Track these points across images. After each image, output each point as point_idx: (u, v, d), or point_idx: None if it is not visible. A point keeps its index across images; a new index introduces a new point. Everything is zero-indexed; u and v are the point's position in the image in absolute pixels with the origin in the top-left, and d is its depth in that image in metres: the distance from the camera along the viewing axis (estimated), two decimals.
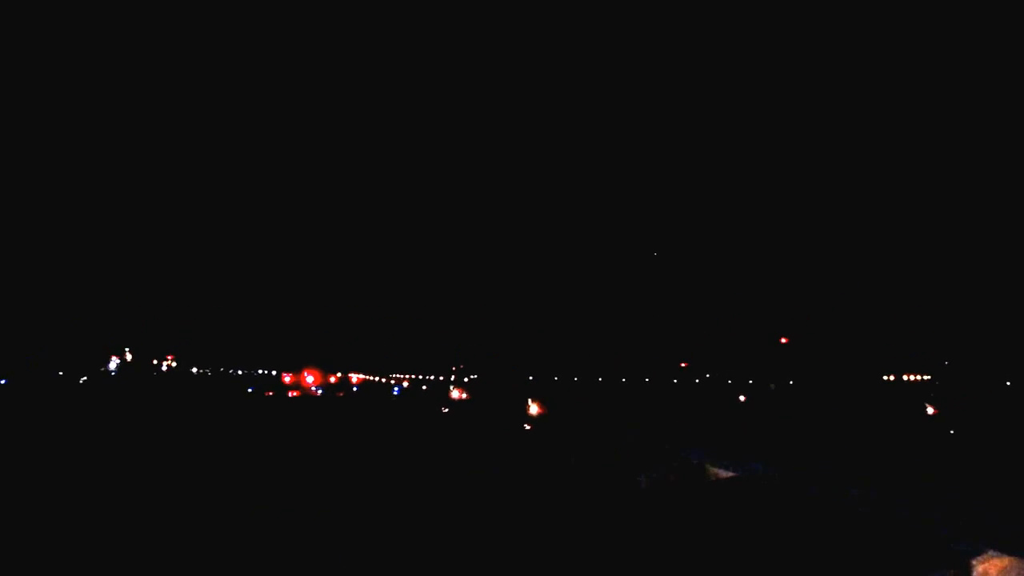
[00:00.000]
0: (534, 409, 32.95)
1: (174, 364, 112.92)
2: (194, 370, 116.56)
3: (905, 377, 72.88)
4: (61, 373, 69.19)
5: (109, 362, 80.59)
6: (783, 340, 66.44)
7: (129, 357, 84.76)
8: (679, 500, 12.44)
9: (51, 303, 78.64)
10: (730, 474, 13.22)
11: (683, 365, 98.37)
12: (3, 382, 41.63)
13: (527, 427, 27.44)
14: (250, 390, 52.68)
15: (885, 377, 69.41)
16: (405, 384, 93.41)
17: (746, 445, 21.00)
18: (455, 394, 56.89)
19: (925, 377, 73.68)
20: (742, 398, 52.26)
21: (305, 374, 77.16)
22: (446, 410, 42.64)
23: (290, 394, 71.65)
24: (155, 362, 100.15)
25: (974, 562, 7.79)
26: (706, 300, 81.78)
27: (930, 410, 34.97)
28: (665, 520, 10.87)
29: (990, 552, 7.88)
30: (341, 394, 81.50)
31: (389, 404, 47.31)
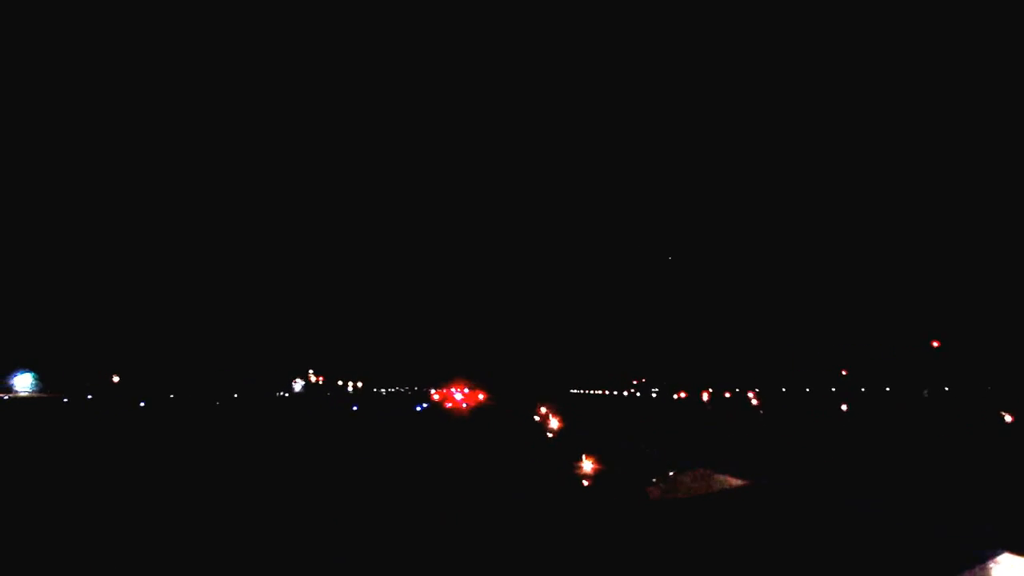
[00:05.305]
0: (554, 423, 34.62)
1: (360, 384, 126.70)
2: (380, 390, 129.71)
3: None
4: (258, 391, 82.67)
5: (295, 383, 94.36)
6: (935, 343, 60.11)
7: (313, 379, 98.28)
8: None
9: (256, 341, 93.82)
10: (741, 483, 13.54)
11: (844, 373, 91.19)
12: (143, 404, 51.83)
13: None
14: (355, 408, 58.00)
15: None
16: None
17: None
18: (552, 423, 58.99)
19: None
20: (844, 407, 48.92)
21: (453, 389, 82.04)
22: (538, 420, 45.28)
23: (444, 403, 76.56)
24: (340, 383, 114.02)
25: (990, 564, 7.89)
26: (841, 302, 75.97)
27: (1008, 418, 31.74)
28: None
29: (1005, 553, 7.92)
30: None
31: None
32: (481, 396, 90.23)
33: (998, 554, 7.83)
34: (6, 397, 57.93)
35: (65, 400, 55.38)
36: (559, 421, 35.61)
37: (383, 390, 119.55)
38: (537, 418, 41.16)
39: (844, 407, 49.43)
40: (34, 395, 61.30)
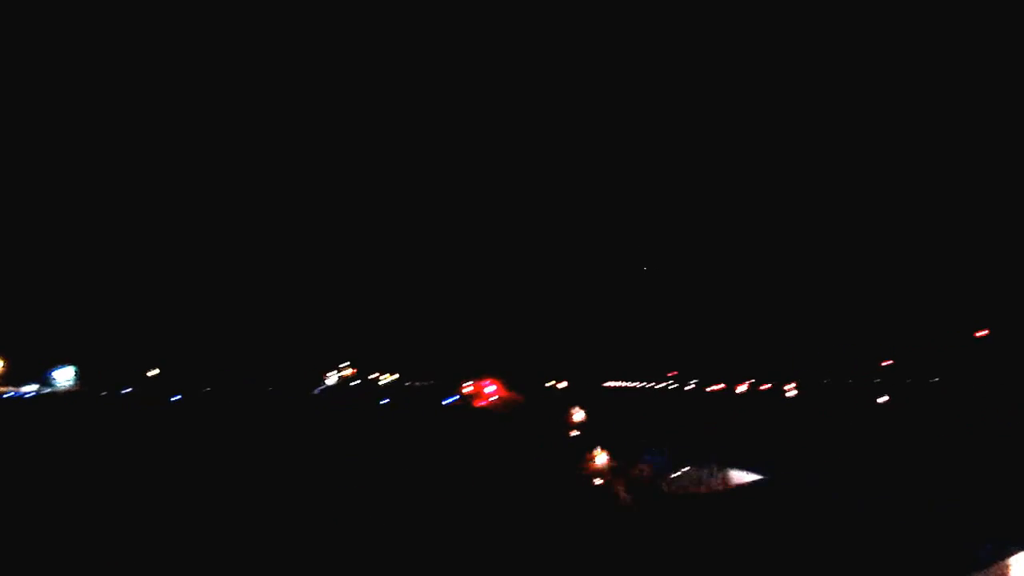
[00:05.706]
0: (578, 417, 34.09)
1: (395, 376, 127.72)
2: (411, 384, 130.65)
3: None
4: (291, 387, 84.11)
5: (328, 378, 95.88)
6: (979, 333, 57.58)
7: (345, 373, 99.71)
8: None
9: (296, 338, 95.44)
10: (757, 478, 13.17)
11: (884, 364, 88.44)
12: (177, 398, 52.90)
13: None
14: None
15: None
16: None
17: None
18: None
19: None
20: (883, 399, 47.25)
21: (484, 384, 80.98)
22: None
23: (474, 398, 76.00)
24: (373, 376, 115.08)
25: (1004, 562, 7.77)
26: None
27: None
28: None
29: (1020, 553, 7.68)
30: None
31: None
32: (510, 391, 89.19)
33: (1018, 553, 7.64)
34: (47, 390, 59.65)
35: (104, 393, 56.85)
36: (584, 415, 35.23)
37: (415, 383, 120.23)
38: (563, 412, 41.03)
39: (886, 398, 47.71)
40: (72, 389, 63.05)
